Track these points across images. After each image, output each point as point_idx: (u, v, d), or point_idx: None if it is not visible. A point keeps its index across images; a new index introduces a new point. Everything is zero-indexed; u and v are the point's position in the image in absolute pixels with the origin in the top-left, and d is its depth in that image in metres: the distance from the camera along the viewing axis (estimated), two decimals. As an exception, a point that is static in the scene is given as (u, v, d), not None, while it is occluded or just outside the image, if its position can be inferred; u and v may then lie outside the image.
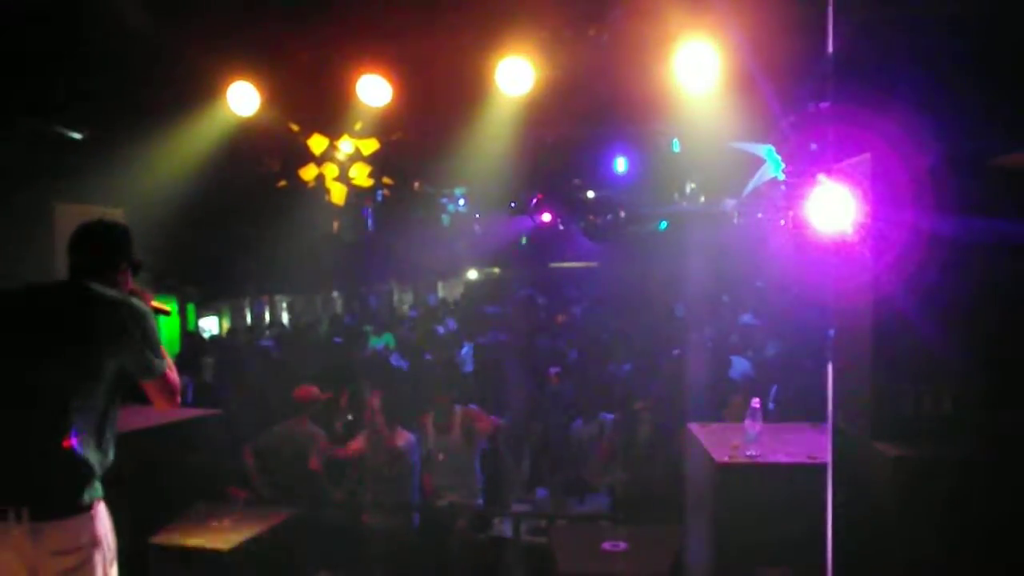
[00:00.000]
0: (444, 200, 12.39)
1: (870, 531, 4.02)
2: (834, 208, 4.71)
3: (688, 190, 11.08)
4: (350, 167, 8.79)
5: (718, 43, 5.87)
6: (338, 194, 8.87)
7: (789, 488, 4.11)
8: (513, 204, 12.58)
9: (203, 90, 6.28)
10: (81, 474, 3.07)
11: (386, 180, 9.17)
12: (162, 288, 10.17)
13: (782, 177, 8.92)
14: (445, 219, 12.70)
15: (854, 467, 4.17)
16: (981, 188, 4.19)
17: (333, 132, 8.05)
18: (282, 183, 8.82)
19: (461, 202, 12.40)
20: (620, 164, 9.73)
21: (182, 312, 11.06)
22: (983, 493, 3.86)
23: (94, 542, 3.07)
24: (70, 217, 5.71)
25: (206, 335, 10.77)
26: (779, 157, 8.64)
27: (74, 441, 3.05)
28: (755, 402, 4.35)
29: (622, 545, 4.61)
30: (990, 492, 3.86)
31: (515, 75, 5.99)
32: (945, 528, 3.84)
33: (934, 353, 4.14)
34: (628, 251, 15.29)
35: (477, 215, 13.82)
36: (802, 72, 6.79)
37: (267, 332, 11.24)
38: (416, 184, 10.51)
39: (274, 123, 7.56)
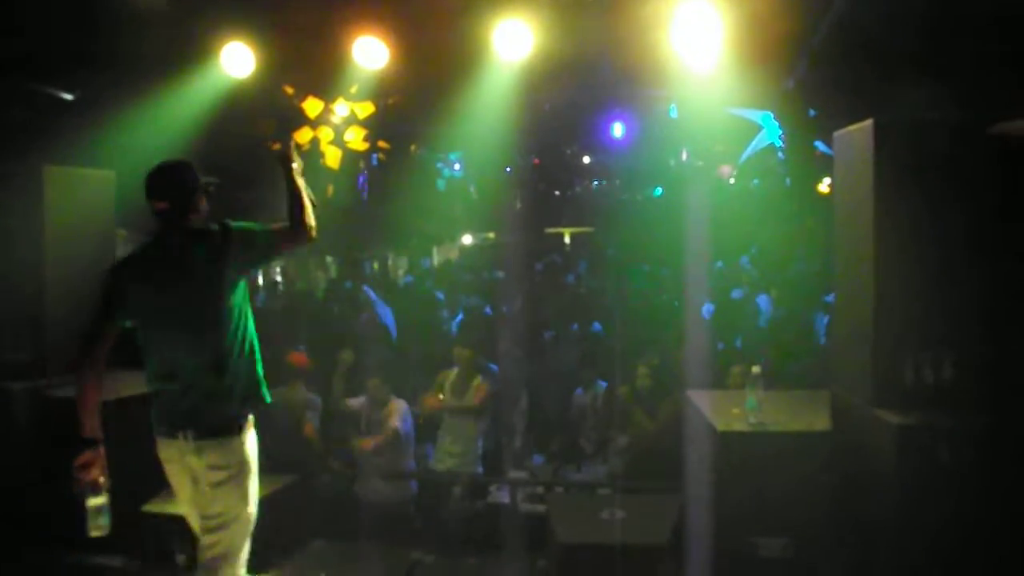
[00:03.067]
0: (440, 165, 12.29)
1: (872, 499, 4.00)
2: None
3: (684, 156, 11.00)
4: (345, 131, 8.69)
5: (719, 8, 5.78)
6: (333, 158, 8.77)
7: (791, 457, 4.08)
8: (509, 169, 12.51)
9: (197, 51, 6.17)
10: (232, 398, 3.54)
11: (382, 144, 9.07)
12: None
13: (779, 143, 8.94)
14: (440, 183, 12.60)
15: (856, 435, 4.15)
16: (985, 155, 4.13)
17: (328, 95, 7.93)
18: (276, 146, 8.69)
19: (457, 167, 12.28)
20: (617, 129, 9.64)
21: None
22: (985, 460, 3.85)
23: (243, 460, 3.56)
24: (60, 180, 5.66)
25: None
26: (776, 123, 8.63)
27: (221, 370, 3.51)
28: (756, 369, 4.31)
29: (620, 515, 4.60)
30: (992, 459, 3.85)
31: (513, 39, 5.90)
32: (947, 495, 3.82)
33: (935, 321, 4.12)
34: (623, 217, 15.26)
35: (472, 180, 13.71)
36: (802, 39, 6.75)
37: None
38: (412, 148, 10.40)
39: (268, 86, 7.46)
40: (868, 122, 4.19)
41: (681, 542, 4.31)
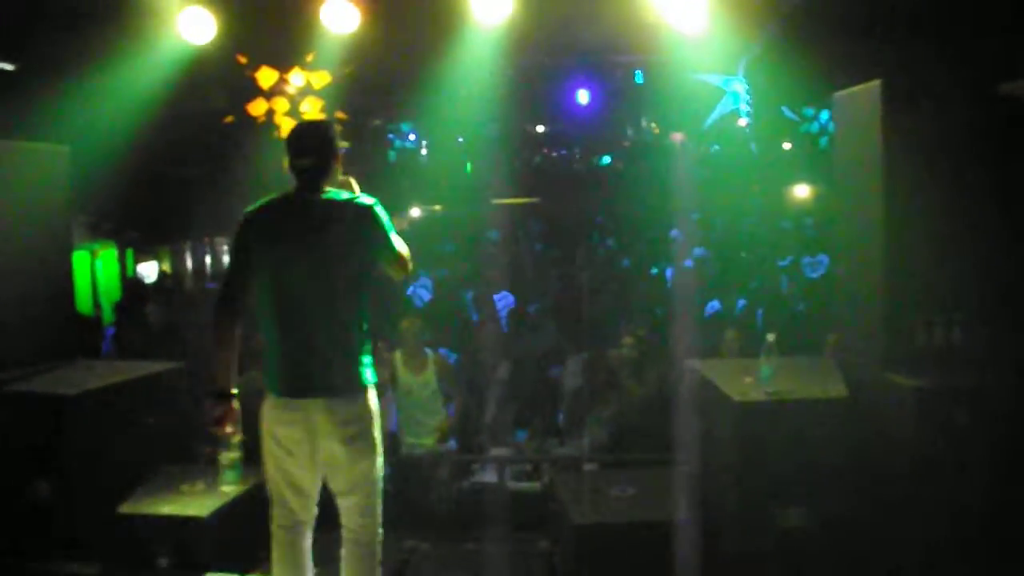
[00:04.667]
0: (391, 136, 11.97)
1: (891, 463, 3.95)
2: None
3: (644, 124, 10.88)
4: (301, 101, 8.34)
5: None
6: (289, 130, 8.40)
7: (809, 424, 3.99)
8: (461, 139, 12.24)
9: (152, 17, 5.77)
10: (357, 361, 3.55)
11: (339, 115, 8.72)
12: (100, 234, 9.60)
13: (744, 110, 8.88)
14: (392, 154, 12.29)
15: (871, 399, 4.08)
16: (991, 116, 4.07)
17: (284, 65, 7.58)
18: (229, 119, 8.34)
19: (412, 137, 11.97)
20: (583, 97, 9.46)
21: (121, 257, 10.48)
22: (999, 419, 3.81)
23: (371, 415, 3.58)
24: (8, 155, 5.17)
25: (148, 281, 10.22)
26: (737, 91, 8.56)
27: (349, 331, 3.52)
28: (771, 337, 4.20)
29: (630, 491, 4.46)
30: (1006, 418, 3.82)
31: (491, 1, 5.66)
32: (964, 455, 3.79)
33: (944, 284, 4.07)
34: (573, 187, 15.12)
35: (424, 150, 13.39)
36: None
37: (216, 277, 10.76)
38: (372, 120, 10.08)
39: (221, 56, 7.09)
40: (875, 83, 4.10)
41: (698, 515, 4.19)
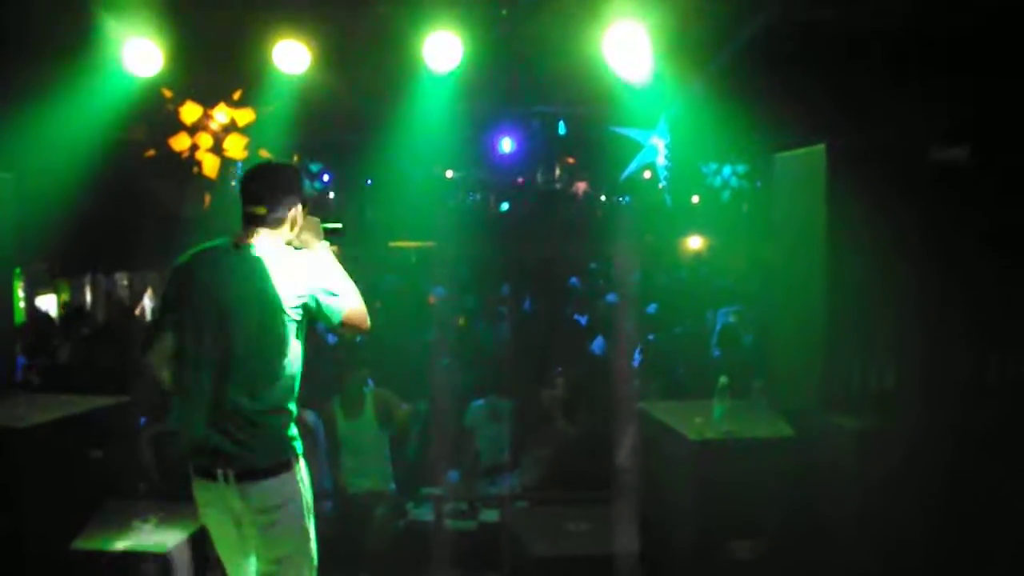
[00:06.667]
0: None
1: (833, 499, 4.24)
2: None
3: (558, 172, 11.25)
4: (225, 138, 8.30)
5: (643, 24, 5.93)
6: (210, 166, 8.36)
7: (759, 462, 4.25)
8: (369, 181, 12.29)
9: (98, 42, 5.69)
10: (280, 434, 3.18)
11: (263, 153, 8.70)
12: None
13: (663, 163, 9.32)
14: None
15: (813, 439, 4.38)
16: (924, 178, 4.49)
17: (222, 101, 7.56)
18: (150, 153, 8.23)
19: (326, 178, 11.96)
20: (506, 145, 9.72)
21: (29, 288, 10.02)
22: (931, 457, 4.16)
23: (294, 497, 3.18)
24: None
25: (53, 314, 9.83)
26: (657, 144, 9.01)
27: (270, 401, 3.15)
28: (724, 380, 4.47)
29: (585, 526, 4.63)
30: (937, 456, 4.16)
31: (441, 51, 5.85)
32: (900, 492, 4.11)
33: (880, 331, 4.44)
34: (471, 231, 15.34)
35: (331, 192, 13.38)
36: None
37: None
38: (296, 157, 10.05)
39: (148, 88, 7.01)
40: (820, 146, 4.46)
41: (653, 548, 4.38)
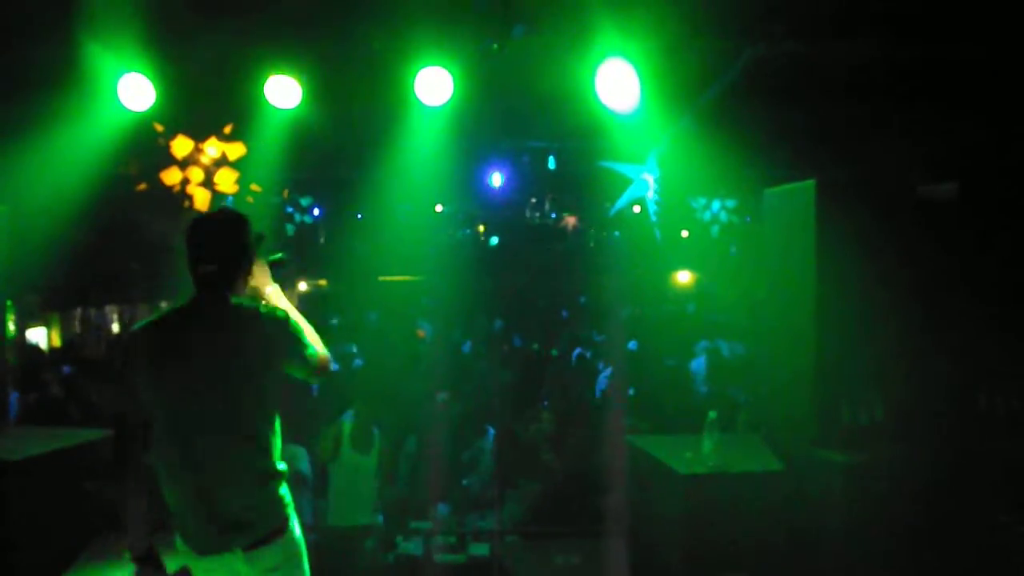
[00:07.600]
0: (290, 209, 11.96)
1: (822, 531, 4.24)
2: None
3: (548, 206, 11.32)
4: (216, 172, 8.31)
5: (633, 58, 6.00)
6: (201, 200, 8.36)
7: (749, 496, 4.26)
8: (360, 216, 12.34)
9: (94, 77, 5.73)
10: (276, 495, 3.15)
11: (254, 187, 8.72)
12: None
13: (652, 197, 9.38)
14: (290, 228, 12.25)
15: (802, 472, 4.39)
16: (911, 215, 4.54)
17: (213, 135, 7.59)
18: (141, 186, 8.23)
19: (316, 212, 11.99)
20: (496, 179, 9.78)
21: (21, 320, 9.99)
22: (917, 489, 4.18)
23: (298, 549, 3.21)
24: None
25: (43, 347, 9.80)
26: (647, 179, 9.07)
27: (263, 459, 3.11)
28: (713, 415, 4.49)
29: (574, 560, 4.62)
30: (924, 487, 4.18)
31: (432, 86, 5.90)
32: (887, 522, 4.12)
33: (867, 365, 4.46)
34: (461, 265, 15.38)
35: (321, 226, 13.43)
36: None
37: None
38: (285, 193, 10.10)
39: (140, 123, 7.05)
40: (810, 182, 4.51)
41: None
